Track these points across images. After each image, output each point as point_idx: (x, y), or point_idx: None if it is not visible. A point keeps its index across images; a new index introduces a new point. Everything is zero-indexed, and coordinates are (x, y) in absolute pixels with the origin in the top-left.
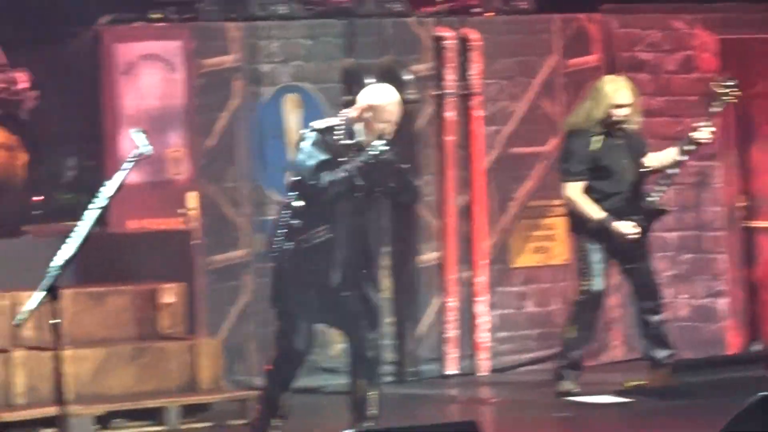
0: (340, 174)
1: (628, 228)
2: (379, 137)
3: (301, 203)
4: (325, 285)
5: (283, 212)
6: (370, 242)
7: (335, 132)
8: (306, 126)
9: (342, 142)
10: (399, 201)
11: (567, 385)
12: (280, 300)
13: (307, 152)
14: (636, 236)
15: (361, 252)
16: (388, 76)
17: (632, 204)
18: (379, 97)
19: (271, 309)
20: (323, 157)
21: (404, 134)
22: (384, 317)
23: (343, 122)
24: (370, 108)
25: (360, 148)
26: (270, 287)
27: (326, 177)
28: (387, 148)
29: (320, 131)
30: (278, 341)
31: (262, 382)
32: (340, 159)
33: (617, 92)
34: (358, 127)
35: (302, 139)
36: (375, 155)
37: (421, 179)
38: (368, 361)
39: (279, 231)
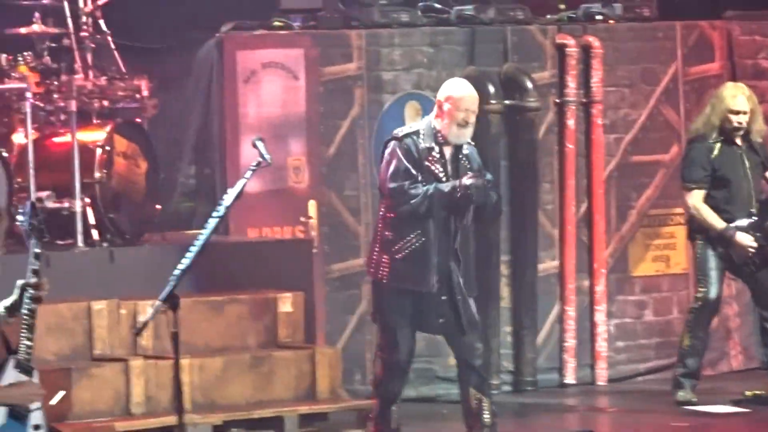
0: (423, 198)
1: (749, 240)
2: (460, 126)
3: (391, 215)
4: (423, 291)
5: (378, 226)
6: (459, 244)
7: (418, 136)
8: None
9: (424, 145)
10: (481, 218)
11: (685, 394)
12: (380, 313)
13: (389, 160)
14: (756, 248)
15: (453, 254)
16: (510, 83)
17: (751, 216)
18: (456, 88)
19: (373, 323)
20: (405, 165)
21: (525, 142)
22: (503, 326)
23: (424, 126)
24: (448, 99)
25: (444, 144)
26: (371, 302)
27: (411, 197)
28: (477, 183)
29: (402, 138)
30: (380, 355)
31: (370, 396)
32: (425, 163)
33: (735, 98)
34: (441, 123)
35: (385, 148)
36: (467, 187)
37: (541, 187)
38: (476, 369)
39: (374, 245)
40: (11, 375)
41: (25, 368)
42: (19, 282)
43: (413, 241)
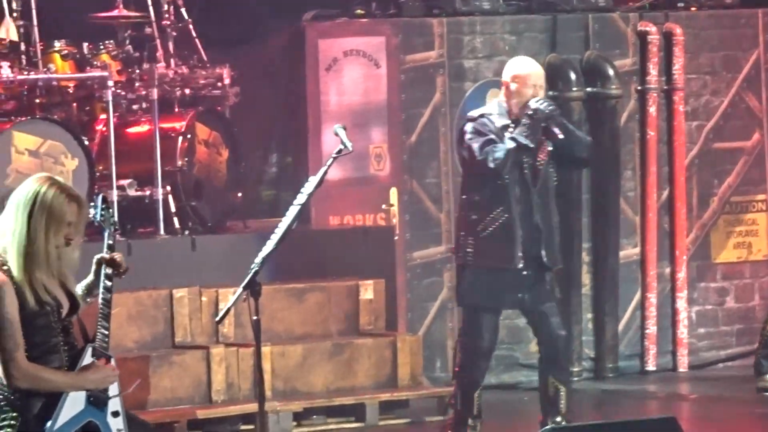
0: (508, 143)
1: None
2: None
3: (475, 197)
4: (509, 268)
5: (461, 211)
6: (541, 220)
7: (491, 116)
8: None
9: (499, 123)
10: (573, 156)
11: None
12: (464, 297)
13: (471, 138)
14: None
15: (535, 228)
16: (591, 71)
17: None
18: (521, 66)
19: (458, 307)
20: (488, 135)
21: (606, 130)
22: (584, 313)
23: (495, 108)
24: (515, 78)
25: (516, 123)
26: (456, 287)
27: (495, 149)
28: (543, 102)
29: (476, 118)
30: (462, 340)
31: (453, 383)
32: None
33: None
34: (512, 103)
35: (462, 132)
36: (535, 109)
37: (623, 174)
38: (557, 357)
39: (459, 231)
40: (88, 362)
41: (102, 355)
42: (97, 257)
43: (497, 218)
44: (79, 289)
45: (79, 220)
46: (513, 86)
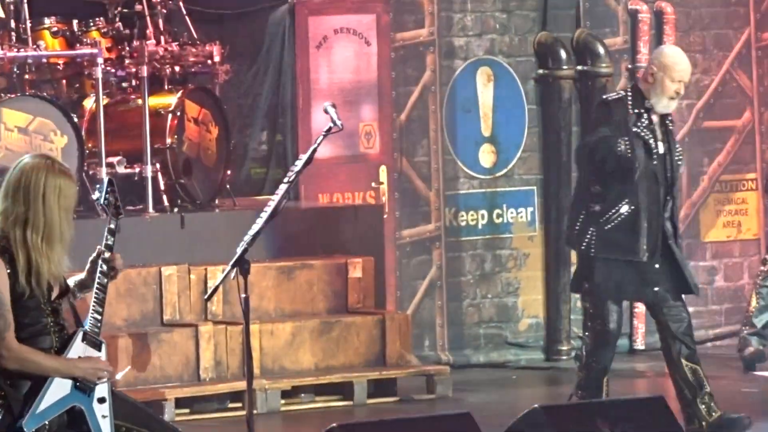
0: (618, 146)
1: None
2: (671, 98)
3: (598, 188)
4: (635, 260)
5: (579, 196)
6: (672, 213)
7: (626, 101)
8: (499, 100)
9: (633, 111)
10: None
11: (754, 348)
12: (590, 284)
13: (594, 128)
14: None
15: (666, 222)
16: (582, 49)
17: None
18: (671, 56)
19: (577, 295)
20: (604, 131)
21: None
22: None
23: (630, 92)
24: (662, 67)
25: (652, 111)
26: (575, 274)
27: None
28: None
29: (607, 104)
30: (591, 325)
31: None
32: (632, 128)
33: None
34: (651, 91)
35: (595, 116)
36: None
37: None
38: (683, 340)
39: (579, 216)
40: (79, 348)
41: (93, 342)
42: (92, 256)
43: (622, 211)
44: (71, 281)
45: (75, 198)
46: (659, 76)
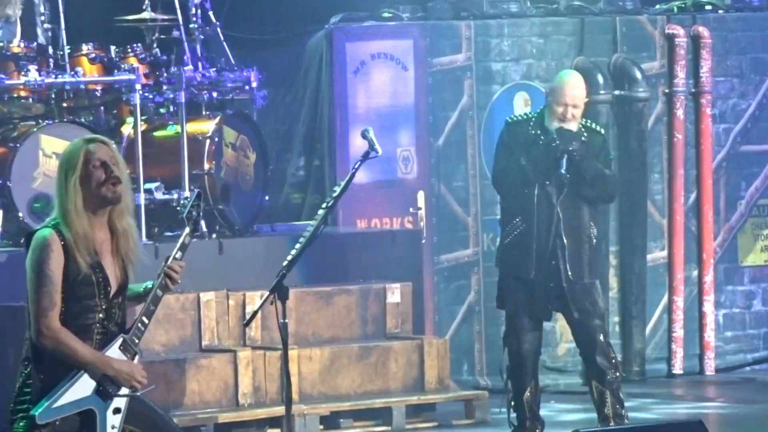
0: (514, 165)
1: None
2: (560, 120)
3: (502, 203)
4: (526, 278)
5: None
6: (563, 231)
7: (528, 125)
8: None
9: (531, 132)
10: (585, 196)
11: None
12: (500, 300)
13: (497, 149)
14: None
15: (554, 240)
16: (619, 74)
17: None
18: (558, 80)
19: (616, 319)
20: (508, 153)
21: (634, 133)
22: (611, 316)
23: (536, 114)
24: (550, 91)
25: (546, 134)
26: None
27: (504, 168)
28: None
29: (510, 126)
30: (504, 342)
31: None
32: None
33: None
34: (548, 113)
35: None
36: (546, 143)
37: (650, 177)
38: (595, 362)
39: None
40: (115, 353)
41: (129, 350)
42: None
43: (517, 226)
44: (141, 287)
45: (109, 156)
46: (549, 99)
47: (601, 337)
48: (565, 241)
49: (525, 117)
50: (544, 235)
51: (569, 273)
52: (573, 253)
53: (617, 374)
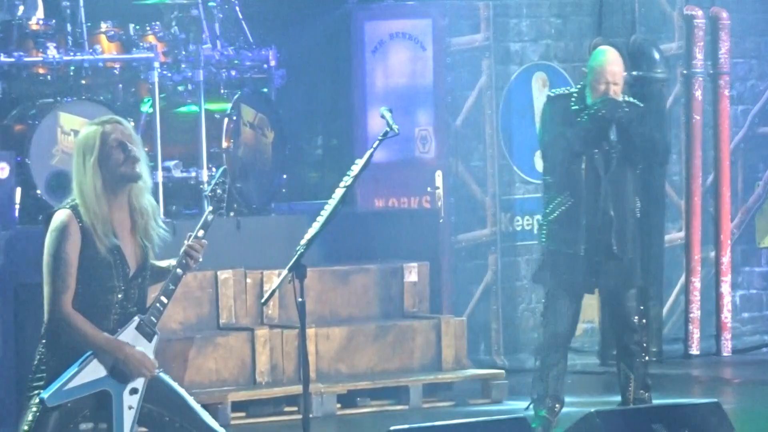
0: (560, 138)
1: None
2: (602, 99)
3: (547, 178)
4: (576, 253)
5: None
6: (613, 204)
7: (570, 99)
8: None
9: (574, 108)
10: (637, 161)
11: None
12: (539, 276)
13: (541, 123)
14: None
15: (602, 214)
16: (637, 54)
17: None
18: (596, 58)
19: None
20: (553, 126)
21: (652, 113)
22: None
23: (576, 90)
24: (590, 71)
25: (587, 110)
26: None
27: (549, 142)
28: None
29: (553, 100)
30: (542, 322)
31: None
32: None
33: None
34: (590, 92)
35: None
36: (592, 113)
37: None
38: (626, 342)
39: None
40: (130, 334)
41: (146, 331)
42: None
43: (564, 202)
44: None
45: (125, 135)
46: (589, 77)
47: (635, 319)
48: (612, 214)
49: (567, 92)
50: (592, 209)
51: (614, 248)
52: (619, 228)
53: (646, 358)
